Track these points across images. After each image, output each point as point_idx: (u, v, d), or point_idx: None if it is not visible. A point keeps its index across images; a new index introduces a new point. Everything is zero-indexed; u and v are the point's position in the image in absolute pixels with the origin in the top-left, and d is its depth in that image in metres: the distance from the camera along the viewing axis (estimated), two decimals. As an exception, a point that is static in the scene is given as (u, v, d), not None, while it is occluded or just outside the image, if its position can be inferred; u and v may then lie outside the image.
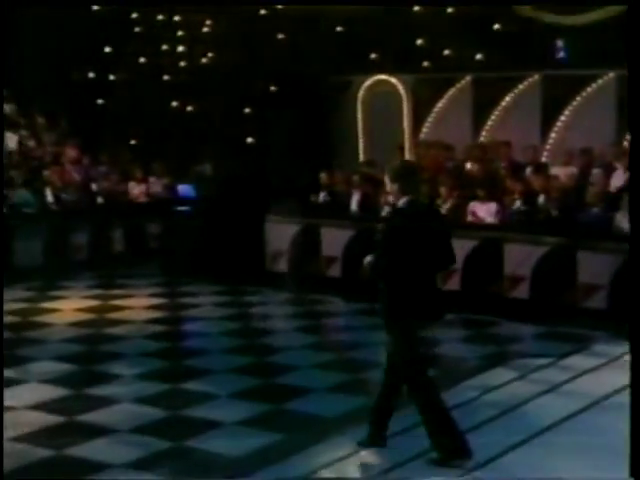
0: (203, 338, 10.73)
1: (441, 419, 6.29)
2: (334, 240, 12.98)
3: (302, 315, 11.82)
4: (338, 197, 13.64)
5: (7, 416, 7.78)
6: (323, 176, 13.98)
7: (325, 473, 6.53)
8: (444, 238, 6.55)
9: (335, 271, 12.97)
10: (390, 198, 13.04)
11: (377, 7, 15.53)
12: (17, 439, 7.30)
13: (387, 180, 6.59)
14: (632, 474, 4.67)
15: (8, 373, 8.99)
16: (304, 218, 13.48)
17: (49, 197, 14.72)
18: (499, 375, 8.83)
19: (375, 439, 6.69)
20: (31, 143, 16.21)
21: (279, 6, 17.12)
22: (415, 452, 6.59)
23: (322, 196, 13.76)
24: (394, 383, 6.59)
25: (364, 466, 6.71)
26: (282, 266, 13.62)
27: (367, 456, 6.77)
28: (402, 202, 6.42)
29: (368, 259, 6.46)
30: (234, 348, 10.18)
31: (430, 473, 6.28)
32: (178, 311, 12.14)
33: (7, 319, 11.25)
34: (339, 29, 16.55)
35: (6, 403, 8.09)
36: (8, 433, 7.36)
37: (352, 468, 6.67)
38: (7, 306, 11.84)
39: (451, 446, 6.27)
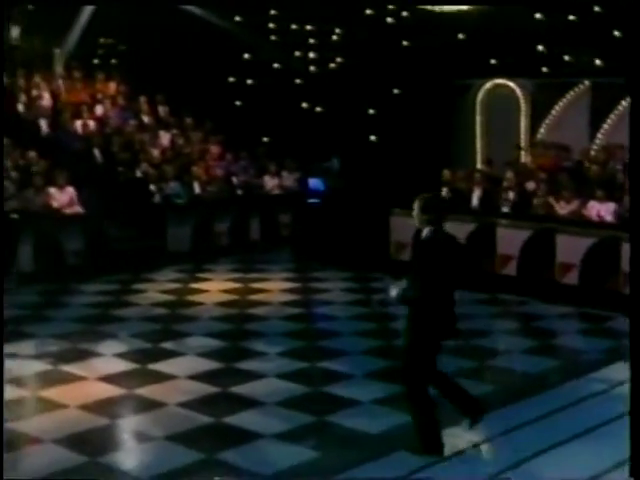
0: (334, 321, 10.69)
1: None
2: (455, 232, 12.64)
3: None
4: (459, 193, 13.44)
5: (171, 384, 8.05)
6: (445, 173, 13.79)
7: (464, 455, 6.41)
8: (462, 264, 6.58)
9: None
10: (510, 195, 12.97)
11: (497, 14, 15.19)
12: (182, 405, 7.47)
13: (416, 207, 6.37)
14: (632, 474, 4.43)
15: (168, 345, 9.23)
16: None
17: (196, 189, 14.98)
18: (622, 369, 8.52)
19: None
20: (181, 141, 16.52)
21: (404, 14, 17.01)
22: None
23: (444, 192, 13.57)
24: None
25: (494, 452, 6.56)
26: (405, 256, 13.48)
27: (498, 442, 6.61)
28: (426, 232, 6.32)
29: (394, 291, 6.49)
30: (364, 331, 10.13)
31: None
32: (309, 295, 12.14)
33: (163, 297, 11.60)
34: (461, 36, 16.28)
35: (170, 372, 8.32)
36: (174, 399, 7.57)
37: (486, 452, 6.55)
38: (162, 286, 12.24)
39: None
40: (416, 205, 6.37)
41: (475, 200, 13.11)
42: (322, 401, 7.68)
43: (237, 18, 18.71)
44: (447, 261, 6.28)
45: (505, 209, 12.78)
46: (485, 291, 11.70)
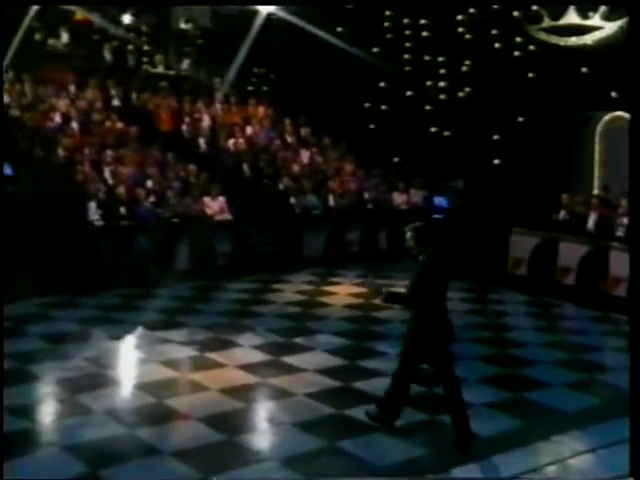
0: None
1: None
2: (571, 253, 12.38)
3: (539, 315, 11.33)
4: (577, 216, 12.96)
5: (300, 376, 8.09)
6: (564, 197, 13.33)
7: (569, 463, 6.16)
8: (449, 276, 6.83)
9: (569, 280, 12.37)
10: (624, 220, 12.41)
11: (618, 49, 14.58)
12: (308, 395, 7.52)
13: (409, 235, 6.62)
14: (632, 474, 4.15)
15: (299, 341, 9.30)
16: (545, 232, 12.97)
17: (331, 202, 15.08)
18: None
19: None
20: (319, 159, 16.68)
21: (531, 47, 16.65)
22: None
23: (562, 214, 13.13)
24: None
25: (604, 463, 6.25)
26: (522, 271, 13.19)
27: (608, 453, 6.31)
28: (422, 258, 6.53)
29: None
30: (479, 339, 9.91)
31: None
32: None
33: (297, 297, 11.71)
34: (584, 70, 15.73)
35: (300, 365, 8.39)
36: (302, 390, 7.63)
37: (591, 462, 6.26)
38: (297, 287, 12.37)
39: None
40: (410, 235, 6.60)
41: (591, 224, 12.60)
42: (435, 401, 7.52)
43: (375, 49, 18.81)
44: (441, 277, 6.57)
45: (619, 233, 12.25)
46: (598, 309, 11.25)
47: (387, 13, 19.17)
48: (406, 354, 6.72)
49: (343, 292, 12.13)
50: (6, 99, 15.97)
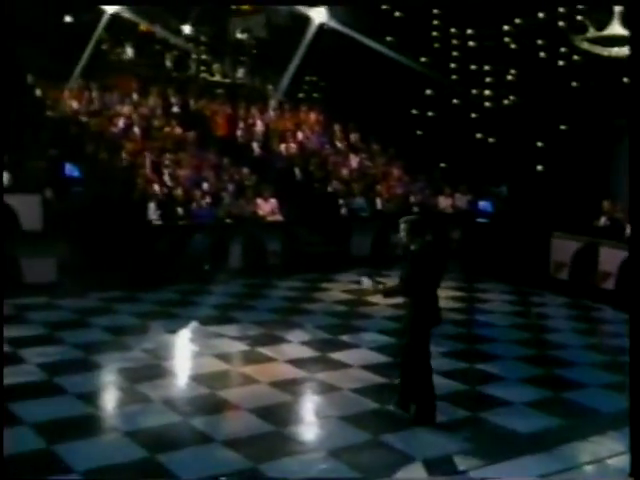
0: (493, 328, 10.41)
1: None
2: (611, 258, 12.20)
3: (578, 318, 11.18)
4: (617, 223, 12.75)
5: (346, 371, 8.12)
6: (605, 204, 13.13)
7: (606, 463, 6.09)
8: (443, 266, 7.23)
9: (609, 284, 12.19)
10: None
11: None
12: (353, 390, 7.55)
13: (404, 228, 6.79)
14: (632, 474, 4.06)
15: (346, 338, 9.34)
16: (586, 237, 12.79)
17: (378, 205, 15.09)
18: None
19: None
20: (368, 163, 16.69)
21: (575, 57, 16.44)
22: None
23: (603, 220, 12.95)
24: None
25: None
26: (563, 275, 13.04)
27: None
28: (415, 246, 6.72)
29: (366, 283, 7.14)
30: (519, 339, 9.81)
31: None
32: (473, 303, 11.91)
33: (344, 296, 11.74)
34: (625, 79, 15.44)
35: (345, 361, 8.41)
36: (347, 385, 7.67)
37: (627, 463, 6.16)
38: (344, 286, 12.40)
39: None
40: (404, 227, 6.81)
41: (630, 229, 12.40)
42: (477, 399, 7.53)
43: (423, 58, 18.75)
44: (432, 266, 6.82)
45: (659, 239, 12.03)
46: (636, 312, 11.02)
47: (435, 23, 19.12)
48: (410, 344, 6.88)
49: (388, 291, 12.09)
50: (75, 105, 16.38)
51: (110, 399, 7.35)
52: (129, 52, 22.21)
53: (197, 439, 6.39)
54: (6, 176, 11.94)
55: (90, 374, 7.86)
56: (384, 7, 19.32)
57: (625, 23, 15.14)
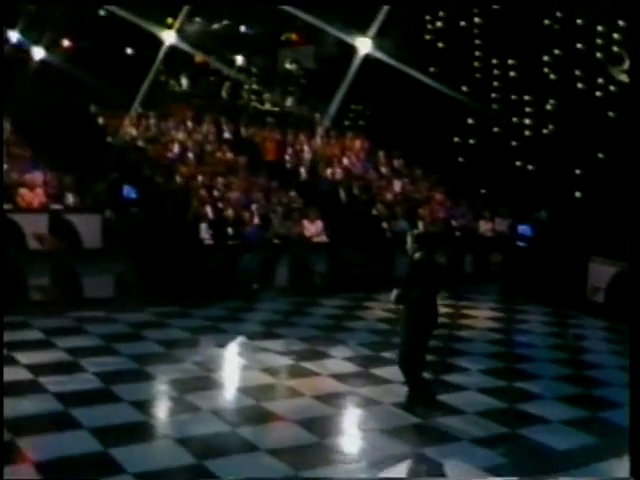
0: (531, 348, 10.29)
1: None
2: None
3: (614, 340, 10.98)
4: (655, 247, 12.50)
5: (387, 387, 8.08)
6: (642, 229, 12.88)
7: None
8: (442, 276, 8.10)
9: (646, 308, 11.91)
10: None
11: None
12: (395, 405, 7.54)
13: (410, 240, 7.50)
14: (632, 474, 4.00)
15: (387, 355, 9.30)
16: (623, 262, 12.56)
17: (421, 227, 15.03)
18: None
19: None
20: (410, 188, 16.69)
21: (611, 88, 16.29)
22: None
23: None
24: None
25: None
26: (599, 298, 12.83)
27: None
28: (417, 256, 7.41)
29: (394, 292, 7.45)
30: (557, 359, 9.70)
31: None
32: (512, 324, 11.77)
33: (386, 315, 11.68)
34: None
35: (387, 377, 8.35)
36: (389, 399, 7.63)
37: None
38: (386, 305, 12.17)
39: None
40: (409, 238, 7.53)
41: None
42: (515, 416, 7.45)
43: (464, 88, 18.76)
44: (431, 275, 7.44)
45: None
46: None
47: (477, 54, 19.14)
48: (407, 342, 7.39)
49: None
50: (134, 132, 16.77)
51: (162, 407, 7.45)
52: (184, 83, 22.70)
53: (243, 447, 6.43)
54: (70, 196, 12.26)
55: (143, 383, 7.98)
56: (427, 38, 19.44)
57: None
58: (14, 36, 20.30)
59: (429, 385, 7.72)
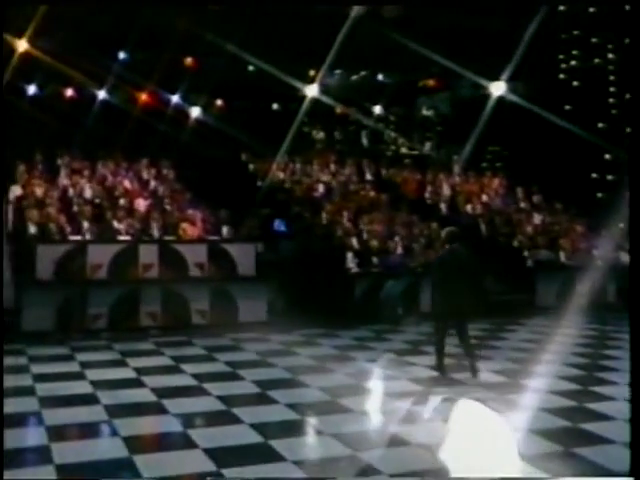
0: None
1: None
2: None
3: None
4: None
5: (536, 395, 7.90)
6: None
7: None
8: (475, 270, 8.91)
9: None
10: None
11: None
12: (544, 410, 7.37)
13: (443, 234, 9.15)
14: (632, 474, 3.80)
15: (534, 368, 9.12)
16: None
17: (562, 258, 14.67)
18: None
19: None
20: (550, 220, 16.28)
21: None
22: None
23: None
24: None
25: None
26: None
27: None
28: (443, 250, 8.98)
29: None
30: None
31: None
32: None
33: (530, 336, 11.44)
34: None
35: (534, 386, 8.24)
36: (539, 405, 7.52)
37: None
38: (530, 328, 12.09)
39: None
40: (442, 235, 9.17)
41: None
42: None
43: (600, 124, 18.32)
44: (452, 266, 8.55)
45: None
46: None
47: (611, 89, 18.69)
48: (436, 325, 8.89)
49: (571, 334, 11.64)
50: (281, 176, 17.60)
51: (315, 409, 7.65)
52: (325, 133, 23.57)
53: (394, 442, 6.52)
54: (225, 229, 13.02)
55: (297, 390, 8.26)
56: (562, 77, 19.22)
57: None
58: (174, 98, 21.98)
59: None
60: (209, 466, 5.88)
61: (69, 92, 21.59)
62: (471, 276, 8.63)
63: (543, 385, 8.32)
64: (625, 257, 15.11)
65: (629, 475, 4.31)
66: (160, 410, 7.40)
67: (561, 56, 19.59)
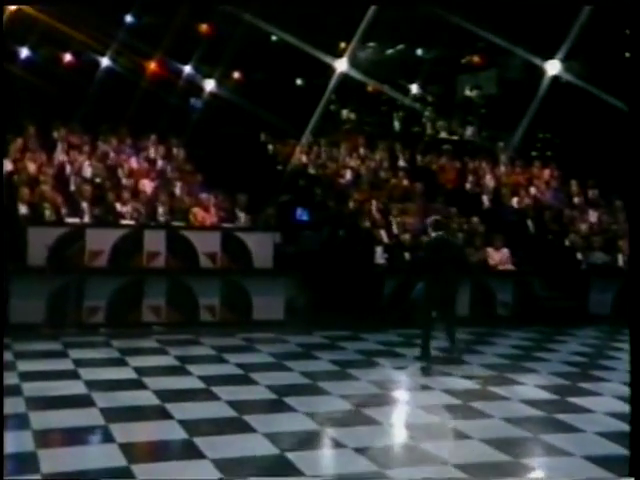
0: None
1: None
2: None
3: None
4: None
5: (589, 416, 7.91)
6: None
7: None
8: (459, 257, 10.55)
9: None
10: None
11: None
12: (598, 434, 7.34)
13: (430, 228, 10.41)
14: (632, 474, 4.03)
15: (585, 385, 9.04)
16: None
17: (620, 261, 14.47)
18: None
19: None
20: (608, 219, 16.06)
21: None
22: None
23: None
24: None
25: None
26: None
27: None
28: (427, 240, 10.65)
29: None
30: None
31: None
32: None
33: (582, 348, 11.38)
34: None
35: (588, 407, 8.19)
36: (591, 428, 7.46)
37: None
38: (582, 340, 11.98)
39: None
40: (429, 223, 10.44)
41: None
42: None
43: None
44: (439, 253, 9.96)
45: None
46: None
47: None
48: (422, 309, 10.15)
49: (629, 349, 11.48)
50: (304, 159, 17.57)
51: (337, 418, 7.62)
52: (355, 112, 23.50)
53: (425, 460, 6.48)
54: (243, 217, 13.02)
55: (317, 397, 8.25)
56: (628, 55, 18.91)
57: None
58: (186, 69, 21.96)
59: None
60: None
61: (67, 57, 21.51)
62: (457, 263, 10.08)
63: (596, 405, 8.23)
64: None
65: (629, 475, 4.41)
66: (163, 415, 7.42)
67: (628, 31, 19.25)
